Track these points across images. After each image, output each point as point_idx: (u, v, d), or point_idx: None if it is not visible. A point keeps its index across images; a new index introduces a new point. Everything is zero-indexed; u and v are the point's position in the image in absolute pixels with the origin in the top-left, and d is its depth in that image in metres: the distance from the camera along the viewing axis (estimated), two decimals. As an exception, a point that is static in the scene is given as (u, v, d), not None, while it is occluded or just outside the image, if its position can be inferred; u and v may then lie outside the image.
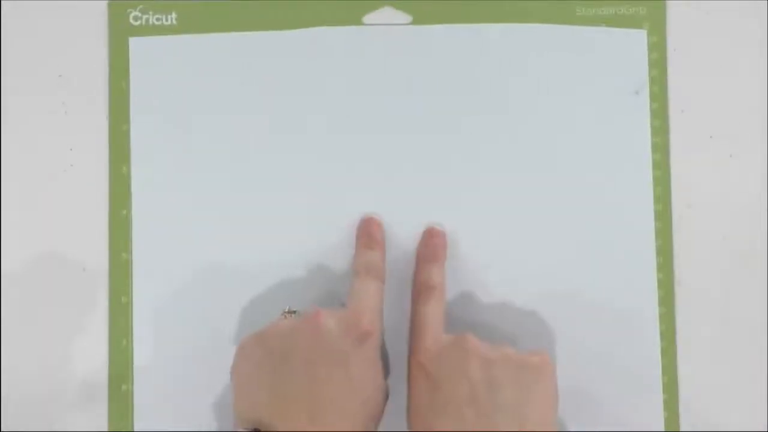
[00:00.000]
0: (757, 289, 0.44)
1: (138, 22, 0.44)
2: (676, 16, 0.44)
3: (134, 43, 0.44)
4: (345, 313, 0.38)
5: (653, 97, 0.44)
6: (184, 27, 0.44)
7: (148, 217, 0.43)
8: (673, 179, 0.44)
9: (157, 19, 0.44)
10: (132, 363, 0.43)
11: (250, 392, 0.37)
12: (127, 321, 0.43)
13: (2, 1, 0.44)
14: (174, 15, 0.44)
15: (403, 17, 0.44)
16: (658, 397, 0.43)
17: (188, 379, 0.43)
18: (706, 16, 0.45)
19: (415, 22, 0.44)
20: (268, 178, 0.43)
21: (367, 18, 0.44)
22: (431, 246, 0.42)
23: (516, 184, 0.44)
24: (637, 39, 0.44)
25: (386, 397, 0.38)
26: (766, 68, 0.45)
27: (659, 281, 0.43)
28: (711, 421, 0.43)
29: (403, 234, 0.43)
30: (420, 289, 0.41)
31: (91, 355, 0.43)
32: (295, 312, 0.40)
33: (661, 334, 0.43)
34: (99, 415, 0.43)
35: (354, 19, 0.44)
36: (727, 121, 0.44)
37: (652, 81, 0.44)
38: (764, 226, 0.44)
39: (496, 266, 0.43)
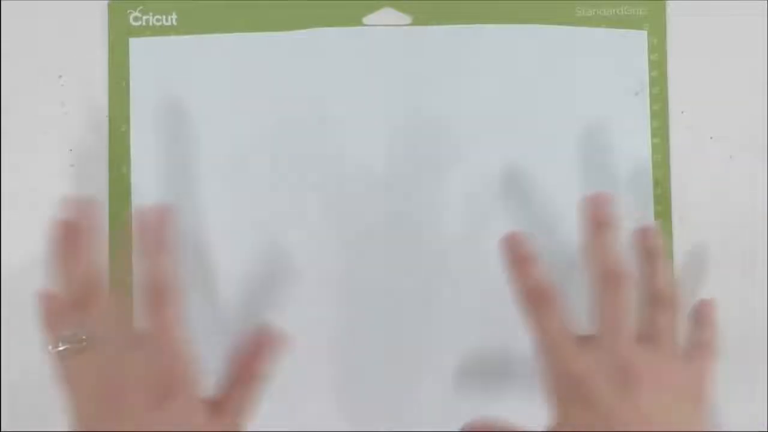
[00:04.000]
0: (757, 289, 0.44)
1: (138, 23, 0.44)
2: (676, 16, 0.44)
3: (134, 43, 0.44)
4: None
5: (653, 98, 0.44)
6: (185, 28, 0.44)
7: (148, 217, 0.43)
8: (673, 180, 0.44)
9: (158, 20, 0.44)
10: (132, 363, 0.43)
11: None
12: (127, 321, 0.43)
13: (2, 1, 0.44)
14: (174, 15, 0.44)
15: (403, 18, 0.44)
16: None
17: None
18: (706, 16, 0.44)
19: (415, 23, 0.44)
20: (267, 179, 0.43)
21: (367, 19, 0.44)
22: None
23: (516, 184, 0.44)
24: (637, 40, 0.44)
25: None
26: (766, 68, 0.45)
27: (659, 282, 0.43)
28: (711, 421, 0.43)
29: (402, 233, 0.43)
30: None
31: (91, 355, 0.43)
32: None
33: (661, 334, 0.43)
34: (99, 415, 0.43)
35: (354, 20, 0.44)
36: (727, 121, 0.44)
37: (652, 82, 0.44)
38: (764, 227, 0.44)
39: (494, 267, 0.43)
